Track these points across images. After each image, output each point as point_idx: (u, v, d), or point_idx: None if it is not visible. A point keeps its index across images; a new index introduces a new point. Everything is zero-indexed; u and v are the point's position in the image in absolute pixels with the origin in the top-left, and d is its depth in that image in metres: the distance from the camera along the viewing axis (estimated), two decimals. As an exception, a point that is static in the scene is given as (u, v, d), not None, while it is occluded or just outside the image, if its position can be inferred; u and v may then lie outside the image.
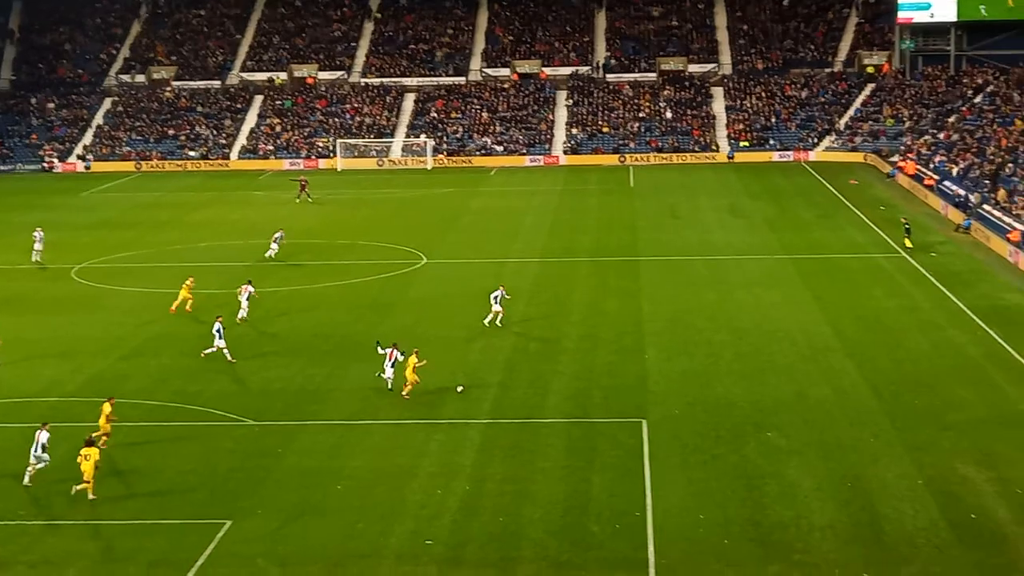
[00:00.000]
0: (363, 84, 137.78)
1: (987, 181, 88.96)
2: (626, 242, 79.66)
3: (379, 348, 49.06)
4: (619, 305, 62.42)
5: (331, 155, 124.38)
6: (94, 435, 40.94)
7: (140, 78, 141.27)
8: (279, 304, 63.17)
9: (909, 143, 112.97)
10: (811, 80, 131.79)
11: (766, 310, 60.55)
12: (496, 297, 57.96)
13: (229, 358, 52.67)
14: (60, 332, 59.39)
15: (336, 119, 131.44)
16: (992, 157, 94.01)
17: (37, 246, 75.91)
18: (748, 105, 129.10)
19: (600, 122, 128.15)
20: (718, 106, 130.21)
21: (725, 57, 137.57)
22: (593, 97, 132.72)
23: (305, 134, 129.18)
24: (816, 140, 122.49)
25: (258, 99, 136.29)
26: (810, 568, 32.78)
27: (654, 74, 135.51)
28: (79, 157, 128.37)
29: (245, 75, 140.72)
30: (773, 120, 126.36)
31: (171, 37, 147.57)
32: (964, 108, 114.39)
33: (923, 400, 46.41)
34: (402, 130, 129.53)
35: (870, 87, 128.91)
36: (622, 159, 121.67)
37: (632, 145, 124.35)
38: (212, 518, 36.52)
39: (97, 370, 52.70)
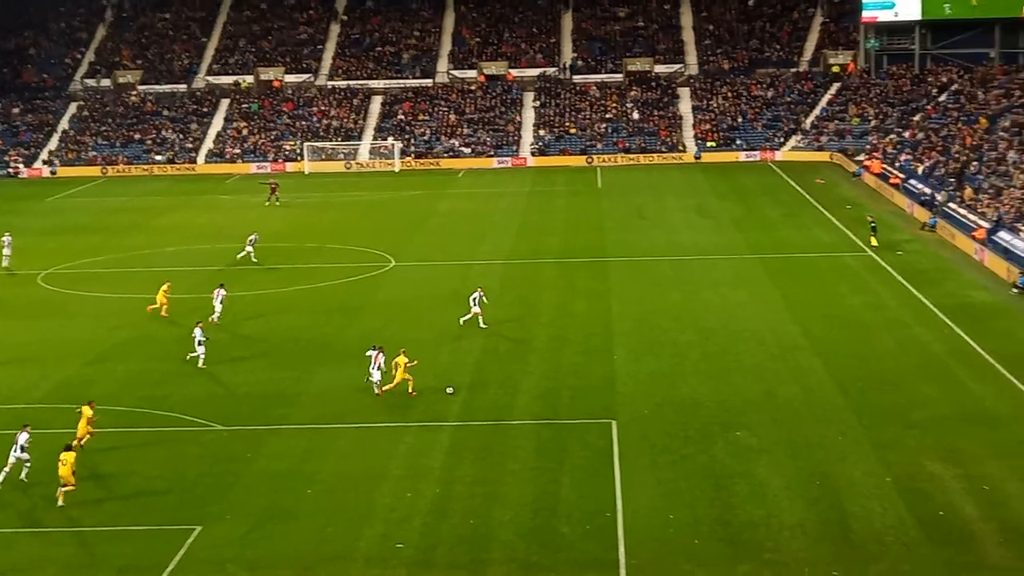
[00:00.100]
0: (330, 87, 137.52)
1: (952, 179, 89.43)
2: (594, 243, 79.75)
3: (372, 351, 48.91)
4: (587, 306, 62.52)
5: (298, 158, 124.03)
6: (74, 442, 40.80)
7: (106, 82, 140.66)
8: (247, 308, 63.01)
9: (875, 142, 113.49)
10: (777, 80, 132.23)
11: (733, 310, 60.75)
12: (475, 299, 58.01)
13: (200, 364, 52.54)
14: (26, 338, 59.15)
15: (303, 122, 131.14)
16: (957, 155, 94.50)
17: (6, 251, 75.59)
18: (714, 105, 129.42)
19: (567, 123, 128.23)
20: (685, 106, 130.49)
21: (691, 57, 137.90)
22: (560, 98, 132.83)
23: (272, 137, 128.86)
24: (782, 140, 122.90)
25: (224, 102, 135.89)
26: (780, 567, 32.91)
27: (621, 75, 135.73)
28: (45, 162, 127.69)
29: (211, 79, 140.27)
30: (739, 120, 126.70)
31: (136, 41, 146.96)
32: (929, 107, 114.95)
33: (890, 398, 46.67)
34: (369, 133, 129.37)
35: (835, 86, 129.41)
36: (589, 160, 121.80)
37: (599, 146, 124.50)
38: (181, 524, 36.43)
39: (64, 376, 52.46)
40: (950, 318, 57.81)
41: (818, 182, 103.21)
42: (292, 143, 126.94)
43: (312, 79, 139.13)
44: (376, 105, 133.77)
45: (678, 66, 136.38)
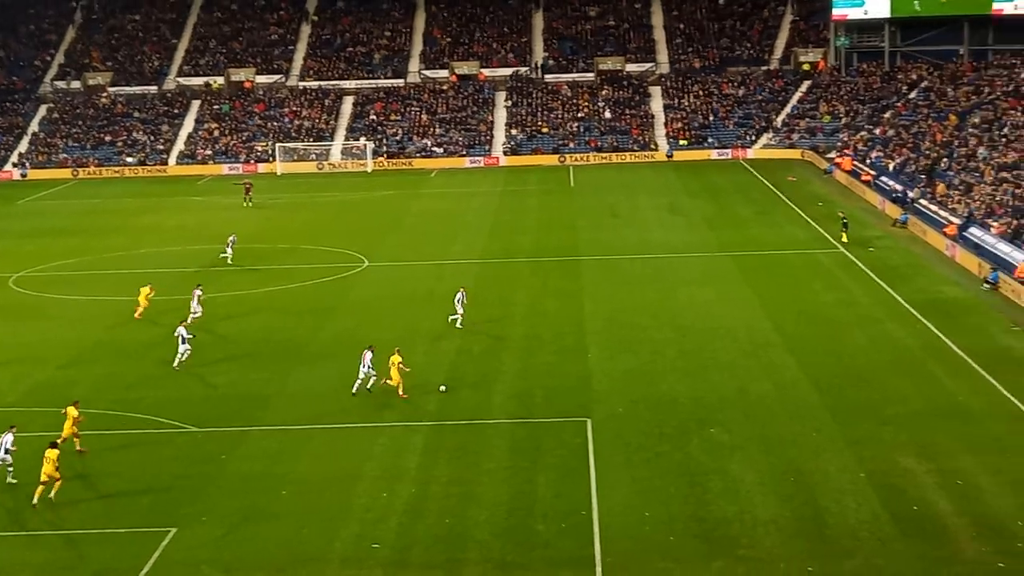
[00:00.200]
0: (301, 87, 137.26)
1: (923, 175, 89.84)
2: (567, 242, 79.81)
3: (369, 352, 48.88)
4: (561, 305, 62.57)
5: (270, 159, 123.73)
6: (59, 440, 40.68)
7: (76, 84, 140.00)
8: (220, 309, 62.80)
9: (846, 139, 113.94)
10: (748, 78, 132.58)
11: (707, 307, 60.88)
12: (459, 299, 58.00)
13: (175, 363, 52.45)
14: (-1, 342, 58.98)
15: (275, 123, 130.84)
16: (927, 152, 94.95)
17: (-18, 254, 75.61)
18: (686, 104, 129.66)
19: (539, 122, 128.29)
20: (656, 105, 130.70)
21: (662, 56, 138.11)
22: (532, 98, 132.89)
23: (244, 138, 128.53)
24: (754, 138, 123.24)
25: (195, 104, 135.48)
26: (754, 563, 33.01)
27: (592, 74, 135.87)
28: (15, 165, 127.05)
29: (182, 80, 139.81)
30: (711, 118, 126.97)
31: (106, 43, 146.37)
32: (899, 103, 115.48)
33: (863, 394, 46.85)
34: (341, 133, 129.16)
35: (806, 84, 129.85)
36: (562, 159, 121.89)
37: (571, 145, 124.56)
38: (156, 526, 36.33)
39: (38, 379, 52.24)
40: (922, 314, 58.07)
41: (790, 180, 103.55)
42: (264, 144, 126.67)
43: (283, 80, 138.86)
44: (348, 105, 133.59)
45: (649, 65, 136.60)
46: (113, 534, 36.15)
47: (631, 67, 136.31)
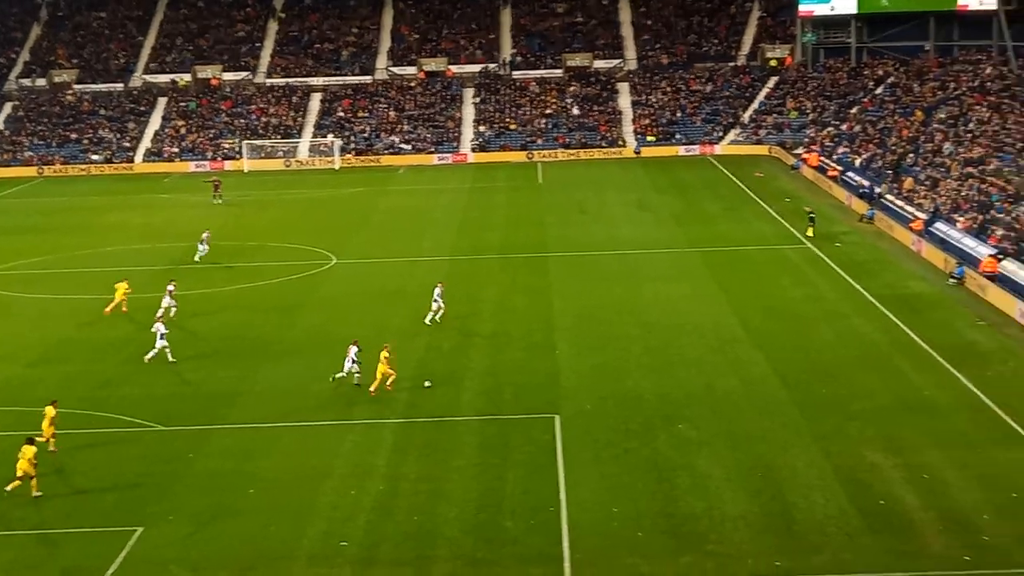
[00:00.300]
0: (268, 84, 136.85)
1: (889, 171, 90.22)
2: (535, 238, 79.83)
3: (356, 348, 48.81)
4: (529, 301, 62.59)
5: (237, 156, 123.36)
6: (38, 439, 40.46)
7: (41, 82, 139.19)
8: (188, 307, 62.42)
9: (813, 135, 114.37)
10: (715, 74, 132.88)
11: (674, 303, 60.98)
12: (438, 295, 57.95)
13: (146, 358, 52.40)
14: (-36, 341, 58.60)
15: (242, 120, 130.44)
16: (894, 147, 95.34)
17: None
18: (654, 100, 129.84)
19: (507, 119, 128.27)
20: (624, 101, 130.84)
21: (630, 52, 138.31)
22: (500, 94, 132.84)
23: (211, 136, 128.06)
24: (721, 134, 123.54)
25: (162, 101, 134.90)
26: (722, 558, 33.08)
27: (560, 70, 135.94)
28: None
29: (148, 77, 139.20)
30: (679, 115, 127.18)
31: (72, 40, 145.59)
32: (865, 99, 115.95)
33: (830, 389, 47.04)
34: (309, 130, 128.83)
35: (773, 80, 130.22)
36: (530, 156, 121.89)
37: (539, 141, 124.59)
38: (123, 525, 36.17)
39: (3, 378, 51.94)
40: (889, 309, 58.35)
41: (757, 176, 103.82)
42: (231, 141, 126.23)
43: (250, 77, 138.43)
44: (315, 102, 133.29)
45: (617, 61, 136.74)
46: (80, 533, 36.01)
47: (599, 63, 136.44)
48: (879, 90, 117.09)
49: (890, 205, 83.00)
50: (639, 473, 38.98)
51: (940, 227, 73.61)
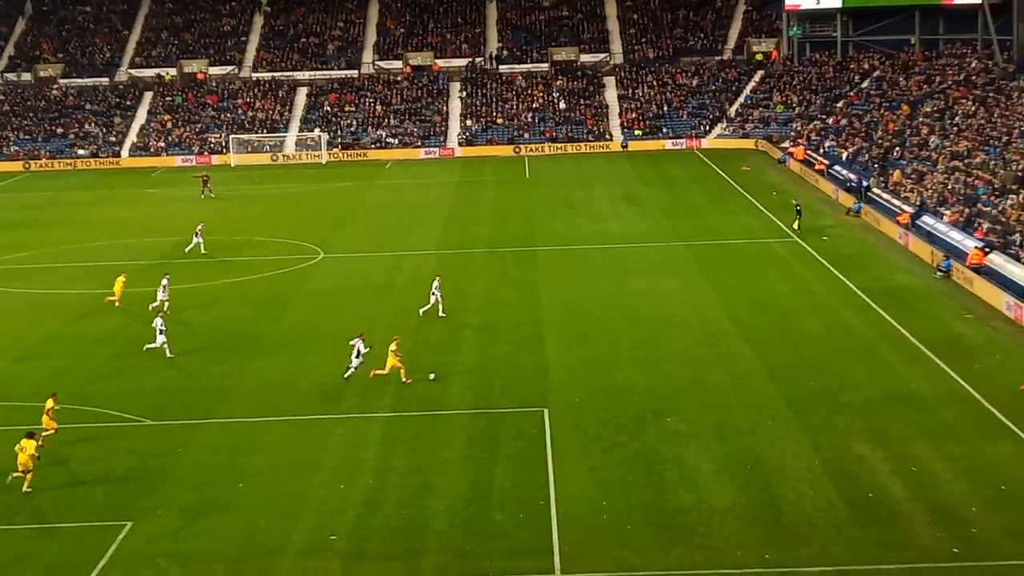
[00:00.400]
0: (254, 79, 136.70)
1: (876, 165, 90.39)
2: (523, 232, 79.82)
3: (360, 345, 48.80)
4: (517, 295, 62.61)
5: (224, 151, 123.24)
6: (37, 432, 40.42)
7: (26, 76, 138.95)
8: (176, 302, 62.26)
9: (799, 129, 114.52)
10: (701, 68, 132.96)
11: (663, 297, 61.05)
12: (435, 287, 57.95)
13: (145, 348, 52.55)
14: (-49, 336, 58.45)
15: (228, 114, 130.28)
16: (880, 141, 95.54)
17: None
18: (640, 94, 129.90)
19: (494, 113, 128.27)
20: (611, 95, 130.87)
21: (616, 46, 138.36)
22: (487, 88, 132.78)
23: (197, 130, 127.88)
24: (708, 127, 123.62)
25: (148, 96, 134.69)
26: (711, 551, 33.15)
27: (546, 64, 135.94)
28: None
29: (134, 71, 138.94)
30: (665, 108, 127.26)
31: (57, 34, 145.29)
32: (852, 93, 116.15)
33: (818, 382, 47.12)
34: (295, 124, 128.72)
35: (759, 74, 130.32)
36: (517, 150, 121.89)
37: (527, 136, 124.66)
38: (112, 520, 36.12)
39: (-9, 373, 51.95)
40: (876, 302, 58.46)
41: (744, 169, 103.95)
42: (217, 136, 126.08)
43: (236, 71, 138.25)
44: (301, 97, 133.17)
45: (603, 55, 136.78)
46: (67, 528, 35.97)
47: (585, 58, 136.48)
48: (865, 84, 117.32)
49: (877, 198, 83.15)
50: (628, 466, 39.02)
51: (927, 220, 73.78)
